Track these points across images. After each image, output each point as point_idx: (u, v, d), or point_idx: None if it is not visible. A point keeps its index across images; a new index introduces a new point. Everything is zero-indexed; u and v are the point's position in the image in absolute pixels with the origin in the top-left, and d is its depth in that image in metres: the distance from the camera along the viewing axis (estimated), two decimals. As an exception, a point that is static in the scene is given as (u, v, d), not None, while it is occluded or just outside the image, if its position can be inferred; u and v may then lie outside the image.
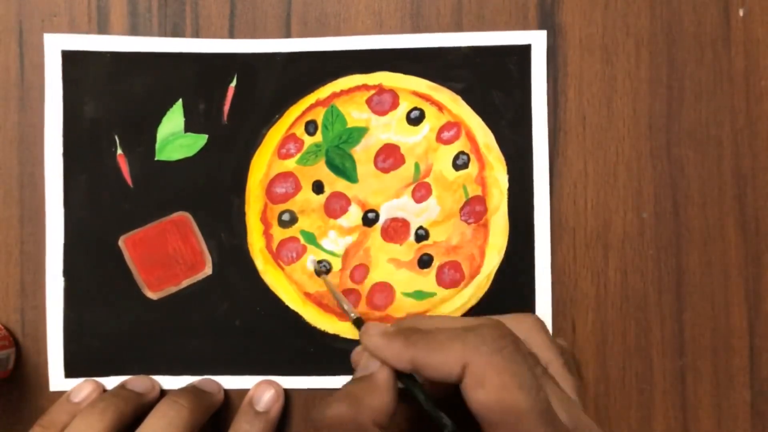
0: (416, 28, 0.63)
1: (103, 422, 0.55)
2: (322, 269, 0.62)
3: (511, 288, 0.61)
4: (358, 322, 0.58)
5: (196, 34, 0.63)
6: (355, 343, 0.61)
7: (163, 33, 0.63)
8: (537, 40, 0.62)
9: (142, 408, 0.59)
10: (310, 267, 0.62)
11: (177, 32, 0.63)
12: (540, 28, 0.62)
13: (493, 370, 0.46)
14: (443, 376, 0.48)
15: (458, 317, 0.56)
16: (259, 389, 0.61)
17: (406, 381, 0.51)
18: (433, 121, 0.62)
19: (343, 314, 0.62)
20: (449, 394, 0.50)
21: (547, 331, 0.55)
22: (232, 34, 0.63)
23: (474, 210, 0.62)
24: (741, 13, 0.62)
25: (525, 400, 0.46)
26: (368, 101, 0.62)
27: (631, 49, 0.62)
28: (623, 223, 0.62)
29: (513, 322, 0.53)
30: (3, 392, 0.62)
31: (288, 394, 0.62)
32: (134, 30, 0.63)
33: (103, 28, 0.63)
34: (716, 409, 0.62)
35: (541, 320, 0.56)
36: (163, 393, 0.62)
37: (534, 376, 0.47)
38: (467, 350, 0.47)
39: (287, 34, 0.63)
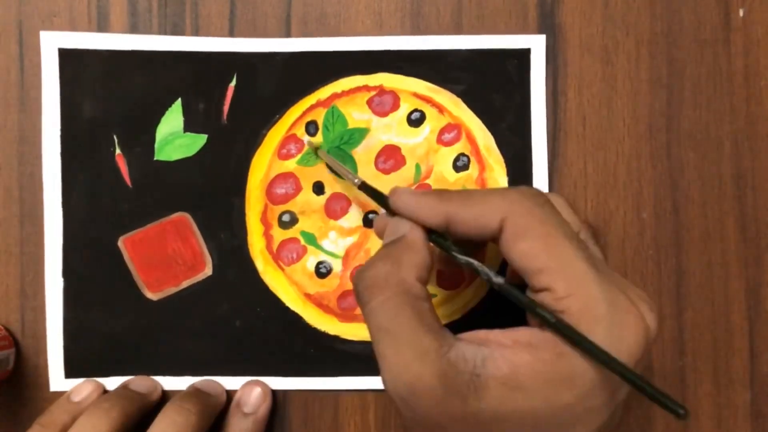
0: (416, 29, 0.63)
1: (108, 422, 0.55)
2: (312, 145, 0.62)
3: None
4: (365, 187, 0.57)
5: (196, 34, 0.63)
6: (356, 344, 0.62)
7: (163, 33, 0.63)
8: (536, 44, 0.62)
9: (145, 409, 0.59)
10: (305, 143, 0.63)
11: (177, 32, 0.63)
12: (540, 28, 0.62)
13: (535, 220, 0.47)
14: (479, 229, 0.49)
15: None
16: (246, 390, 0.61)
17: (436, 239, 0.51)
18: (433, 122, 0.62)
19: (343, 315, 0.62)
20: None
21: (572, 209, 0.56)
22: (232, 34, 0.63)
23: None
24: (741, 13, 0.62)
25: (571, 246, 0.46)
26: (369, 102, 0.62)
27: (631, 49, 0.62)
28: (623, 223, 0.62)
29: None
30: (3, 393, 0.62)
31: (288, 395, 0.62)
32: (134, 30, 0.63)
33: (103, 28, 0.63)
34: (716, 409, 0.62)
35: (566, 200, 0.57)
36: (165, 394, 0.62)
37: (573, 232, 0.48)
38: (506, 203, 0.48)
39: (287, 34, 0.63)
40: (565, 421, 0.46)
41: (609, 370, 0.44)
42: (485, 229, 0.48)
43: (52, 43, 0.62)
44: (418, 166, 0.62)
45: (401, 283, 0.48)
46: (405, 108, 0.62)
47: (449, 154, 0.62)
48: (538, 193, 0.50)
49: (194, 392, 0.60)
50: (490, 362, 0.45)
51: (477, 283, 0.62)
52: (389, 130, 0.62)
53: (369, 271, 0.49)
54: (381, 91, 0.62)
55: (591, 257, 0.47)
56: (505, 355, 0.45)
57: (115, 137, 0.62)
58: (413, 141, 0.62)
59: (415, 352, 0.46)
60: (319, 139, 0.62)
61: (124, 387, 0.61)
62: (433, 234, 0.51)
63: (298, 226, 0.62)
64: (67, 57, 0.62)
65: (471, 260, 0.49)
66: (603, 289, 0.46)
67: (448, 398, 0.45)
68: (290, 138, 0.62)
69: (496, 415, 0.45)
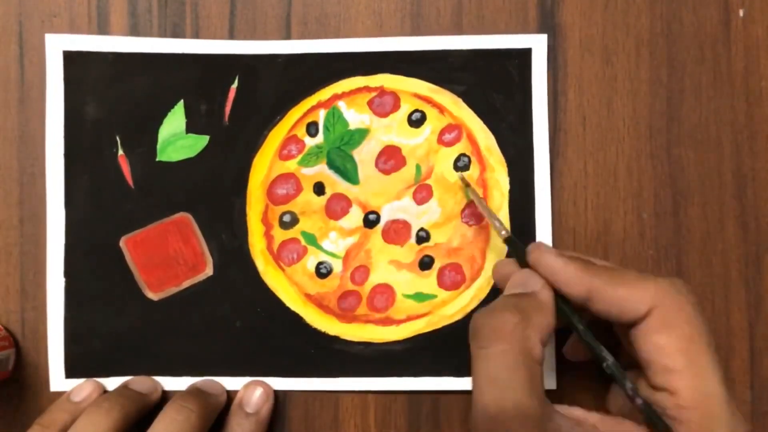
0: (416, 29, 0.63)
1: (108, 421, 0.55)
2: (465, 180, 0.62)
3: (511, 290, 0.62)
4: (510, 242, 0.57)
5: (196, 35, 0.63)
6: (355, 344, 0.62)
7: (163, 33, 0.63)
8: (538, 44, 0.62)
9: (145, 409, 0.59)
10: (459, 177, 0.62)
11: (177, 32, 0.63)
12: (540, 28, 0.62)
13: (683, 319, 0.47)
14: (620, 312, 0.48)
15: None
16: (248, 390, 0.61)
17: (566, 308, 0.51)
18: (434, 123, 0.62)
19: (343, 315, 0.62)
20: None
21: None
22: (232, 35, 0.63)
23: (475, 212, 0.62)
24: (741, 13, 0.62)
25: (710, 358, 0.46)
26: (370, 103, 0.62)
27: (631, 49, 0.62)
28: (623, 223, 0.62)
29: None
30: (3, 393, 0.62)
31: (288, 395, 0.62)
32: (134, 30, 0.63)
33: (103, 29, 0.63)
34: (716, 410, 0.62)
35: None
36: (165, 394, 0.62)
37: (713, 341, 0.48)
38: (659, 292, 0.48)
39: (287, 35, 0.63)
40: None
41: None
42: (628, 313, 0.48)
43: (56, 45, 0.62)
44: (418, 167, 0.62)
45: (525, 340, 0.48)
46: (405, 108, 0.62)
47: (450, 154, 0.62)
48: (690, 288, 0.49)
49: (195, 392, 0.60)
50: None
51: (478, 285, 0.62)
52: (390, 130, 0.62)
53: (496, 316, 0.49)
54: (381, 91, 0.62)
55: (724, 376, 0.47)
56: None
57: (117, 138, 0.62)
58: (414, 141, 0.62)
59: (518, 412, 0.46)
60: (319, 140, 0.62)
61: (124, 387, 0.61)
62: (563, 302, 0.51)
63: (298, 227, 0.62)
64: (71, 59, 0.62)
65: (600, 347, 0.50)
66: (730, 413, 0.46)
67: None
68: (291, 139, 0.62)
69: None
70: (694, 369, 0.46)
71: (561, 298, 0.51)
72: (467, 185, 0.61)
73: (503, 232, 0.57)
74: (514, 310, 0.49)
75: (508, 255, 0.61)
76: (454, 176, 0.62)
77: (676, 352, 0.46)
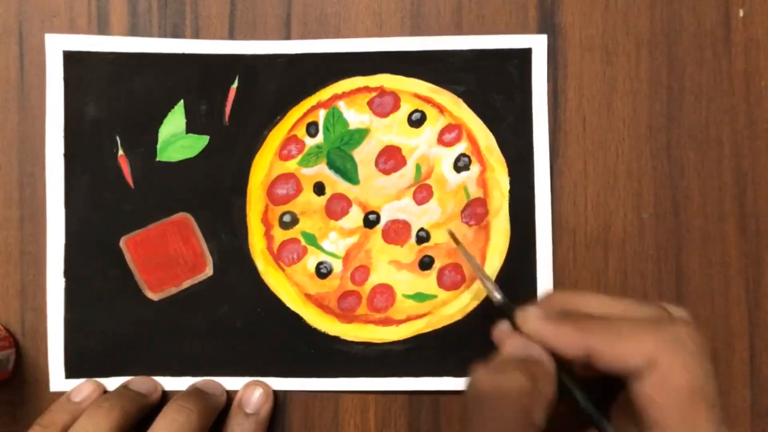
0: (416, 29, 0.63)
1: (108, 421, 0.55)
2: (463, 172, 0.62)
3: (512, 291, 0.61)
4: (506, 307, 0.54)
5: (196, 34, 0.63)
6: (356, 345, 0.62)
7: (163, 33, 0.63)
8: (538, 44, 0.62)
9: (145, 409, 0.59)
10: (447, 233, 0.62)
11: (177, 32, 0.63)
12: (540, 28, 0.62)
13: (684, 376, 0.44)
14: (620, 368, 0.45)
15: (616, 298, 0.50)
16: (248, 391, 0.61)
17: (567, 377, 0.49)
18: (434, 123, 0.62)
19: (343, 315, 0.62)
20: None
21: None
22: (232, 34, 0.63)
23: (475, 212, 0.62)
24: (741, 13, 0.62)
25: (705, 418, 0.44)
26: (370, 103, 0.62)
27: (631, 49, 0.62)
28: (623, 223, 0.62)
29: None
30: (3, 393, 0.62)
31: (288, 395, 0.62)
32: (134, 30, 0.63)
33: (103, 28, 0.63)
34: (716, 409, 0.62)
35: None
36: (165, 394, 0.62)
37: (717, 395, 0.45)
38: (660, 345, 0.45)
39: (287, 34, 0.63)
40: None
41: None
42: (628, 369, 0.45)
43: (57, 45, 0.62)
44: (418, 167, 0.62)
45: (528, 405, 0.46)
46: (406, 109, 0.62)
47: (450, 154, 0.62)
48: (695, 334, 0.46)
49: (195, 392, 0.60)
50: None
51: (477, 285, 0.62)
52: (390, 130, 0.62)
53: (503, 372, 0.47)
54: (382, 92, 0.62)
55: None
56: None
57: (118, 138, 0.62)
58: (414, 141, 0.62)
59: None
60: (319, 140, 0.62)
61: (124, 387, 0.61)
62: (565, 374, 0.49)
63: (298, 227, 0.62)
64: (71, 59, 0.62)
65: (602, 416, 0.48)
66: None
67: None
68: (291, 139, 0.62)
69: None
70: (685, 428, 0.44)
71: (563, 369, 0.49)
72: (457, 243, 0.60)
73: (497, 296, 0.55)
74: (525, 373, 0.46)
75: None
76: (455, 176, 0.62)
77: (673, 411, 0.44)
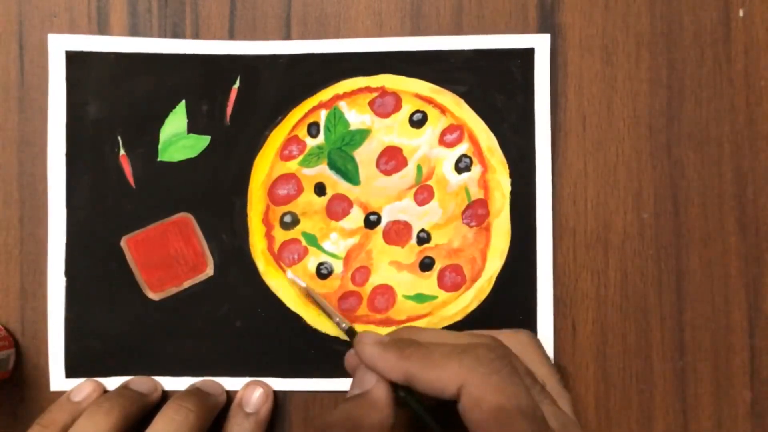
0: (416, 29, 0.63)
1: (108, 421, 0.55)
2: (464, 173, 0.62)
3: (512, 292, 0.61)
4: (350, 332, 0.58)
5: (196, 34, 0.63)
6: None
7: (163, 33, 0.63)
8: (541, 44, 0.62)
9: (145, 409, 0.59)
10: (290, 277, 0.62)
11: (177, 32, 0.63)
12: (540, 28, 0.62)
13: (490, 392, 0.47)
14: (438, 393, 0.48)
15: (454, 332, 0.55)
16: (248, 390, 0.61)
17: (405, 395, 0.52)
18: (435, 123, 0.62)
19: (344, 316, 0.62)
20: (444, 401, 0.50)
21: (542, 347, 0.56)
22: (231, 34, 0.63)
23: (476, 213, 0.62)
24: (741, 13, 0.62)
25: (521, 423, 0.46)
26: (371, 103, 0.62)
27: (631, 49, 0.62)
28: (623, 223, 0.62)
29: (509, 338, 0.54)
30: (3, 393, 0.62)
31: (288, 396, 0.62)
32: (134, 30, 0.63)
33: (103, 28, 0.63)
34: (716, 409, 0.62)
35: (536, 337, 0.57)
36: (165, 394, 0.62)
37: (531, 398, 0.48)
38: (463, 370, 0.48)
39: (287, 34, 0.63)
40: None
41: None
42: (444, 394, 0.48)
43: (59, 45, 0.62)
44: (419, 168, 0.62)
45: None
46: (407, 109, 0.62)
47: (451, 155, 0.62)
48: (498, 355, 0.49)
49: (194, 392, 0.60)
50: None
51: (478, 286, 0.62)
52: (391, 131, 0.62)
53: (329, 427, 0.50)
54: (383, 92, 0.62)
55: (547, 427, 0.48)
56: None
57: (119, 138, 0.62)
58: (415, 142, 0.62)
59: None
60: (320, 140, 0.62)
61: (124, 387, 0.61)
62: (401, 389, 0.52)
63: (299, 227, 0.62)
64: (73, 59, 0.62)
65: (438, 428, 0.51)
66: None
67: None
68: (292, 139, 0.62)
69: None
70: None
71: (407, 390, 0.51)
72: (306, 290, 0.62)
73: (343, 325, 0.59)
74: (346, 424, 0.49)
75: None
76: (456, 177, 0.62)
77: (488, 423, 0.47)
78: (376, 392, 0.51)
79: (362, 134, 0.62)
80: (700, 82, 0.62)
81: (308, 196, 0.62)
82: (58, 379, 0.62)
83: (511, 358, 0.50)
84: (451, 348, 0.49)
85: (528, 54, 0.62)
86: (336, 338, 0.62)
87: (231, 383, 0.62)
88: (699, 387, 0.62)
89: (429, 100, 0.62)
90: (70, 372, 0.62)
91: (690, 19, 0.62)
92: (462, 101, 0.62)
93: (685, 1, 0.62)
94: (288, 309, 0.62)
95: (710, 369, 0.62)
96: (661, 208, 0.62)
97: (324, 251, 0.62)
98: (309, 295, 0.61)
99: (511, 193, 0.62)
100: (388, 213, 0.62)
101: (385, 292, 0.62)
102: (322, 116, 0.62)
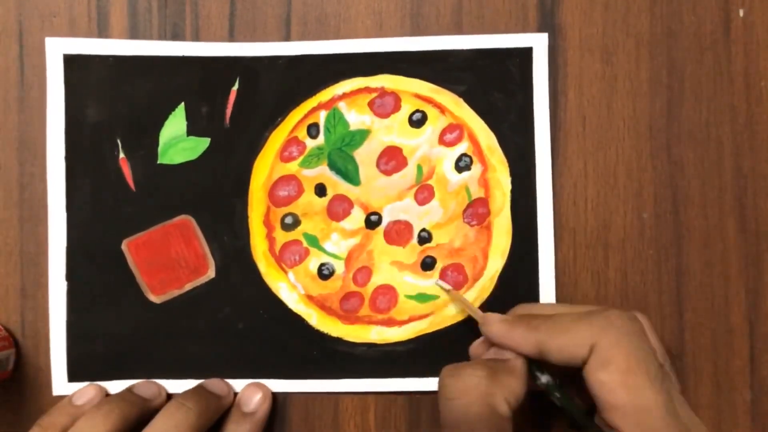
0: (416, 29, 0.63)
1: (106, 424, 0.55)
2: (465, 173, 0.63)
3: (514, 290, 0.62)
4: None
5: (196, 35, 0.63)
6: (358, 346, 0.62)
7: (163, 33, 0.63)
8: (539, 43, 0.62)
9: (147, 413, 0.59)
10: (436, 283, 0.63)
11: (176, 33, 0.63)
12: (540, 28, 0.62)
13: (621, 353, 0.48)
14: (569, 357, 0.50)
15: (570, 305, 0.57)
16: (246, 391, 0.61)
17: (548, 382, 0.53)
18: (435, 123, 0.62)
19: (346, 317, 0.62)
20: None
21: (655, 332, 0.56)
22: (231, 35, 0.63)
23: (477, 212, 0.62)
24: (741, 13, 0.62)
25: (651, 387, 0.47)
26: (370, 104, 0.62)
27: (631, 49, 0.62)
28: (623, 223, 0.62)
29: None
30: (4, 393, 0.62)
31: (290, 397, 0.62)
32: (134, 30, 0.63)
33: (102, 29, 0.63)
34: (716, 409, 0.62)
35: (649, 321, 0.57)
36: (169, 398, 0.62)
37: (659, 367, 0.49)
38: (594, 330, 0.49)
39: (287, 35, 0.63)
40: None
41: None
42: (575, 358, 0.49)
43: (57, 49, 0.62)
44: (419, 167, 0.62)
45: (489, 396, 0.49)
46: (406, 109, 0.62)
47: (451, 154, 0.62)
48: (629, 318, 0.50)
49: (198, 391, 0.60)
50: None
51: (480, 285, 0.62)
52: (391, 131, 0.62)
53: (463, 371, 0.51)
54: (382, 92, 0.62)
55: (672, 399, 0.48)
56: None
57: (118, 141, 0.62)
58: (415, 142, 0.62)
59: None
60: (320, 141, 0.62)
61: (127, 391, 0.60)
62: (535, 367, 0.53)
63: (300, 228, 0.62)
64: (71, 62, 0.62)
65: (580, 414, 0.52)
66: None
67: None
68: (292, 140, 0.62)
69: None
70: (635, 403, 0.47)
71: (538, 367, 0.53)
72: (448, 291, 0.62)
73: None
74: (485, 370, 0.51)
75: None
76: (456, 176, 0.62)
77: (618, 387, 0.47)
78: (514, 361, 0.52)
79: (362, 134, 0.62)
80: (700, 82, 0.62)
81: (309, 197, 0.62)
82: (60, 383, 0.62)
83: (641, 325, 0.51)
84: (579, 314, 0.51)
85: (526, 53, 0.62)
86: (338, 339, 0.62)
87: (233, 385, 0.62)
88: (699, 386, 0.62)
89: (428, 100, 0.62)
90: (73, 376, 0.62)
91: (690, 19, 0.62)
92: (461, 101, 0.62)
93: (685, 2, 0.62)
94: (290, 310, 0.62)
95: (710, 369, 0.62)
96: (661, 208, 0.62)
97: (325, 252, 0.62)
98: (457, 300, 0.61)
99: (512, 191, 0.62)
100: (388, 213, 0.62)
101: (387, 292, 0.62)
102: (322, 117, 0.62)
